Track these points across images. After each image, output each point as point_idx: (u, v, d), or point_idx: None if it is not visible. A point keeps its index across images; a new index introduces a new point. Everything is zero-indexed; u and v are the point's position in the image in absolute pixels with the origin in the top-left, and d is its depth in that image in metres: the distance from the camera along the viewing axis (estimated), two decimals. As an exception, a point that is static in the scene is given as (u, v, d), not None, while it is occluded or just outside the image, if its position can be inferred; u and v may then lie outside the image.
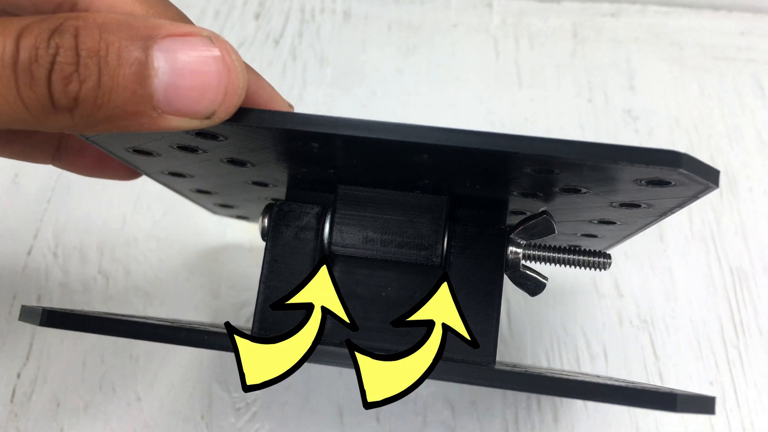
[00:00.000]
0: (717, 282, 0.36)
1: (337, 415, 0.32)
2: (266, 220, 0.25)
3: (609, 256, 0.26)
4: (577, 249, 0.26)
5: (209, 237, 0.38)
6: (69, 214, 0.38)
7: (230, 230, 0.38)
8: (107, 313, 0.24)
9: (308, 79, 0.45)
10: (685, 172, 0.18)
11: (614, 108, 0.43)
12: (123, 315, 0.25)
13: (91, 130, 0.17)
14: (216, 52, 0.17)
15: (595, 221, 0.26)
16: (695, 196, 0.21)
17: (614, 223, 0.26)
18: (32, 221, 0.38)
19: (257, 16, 0.49)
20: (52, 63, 0.15)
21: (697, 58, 0.45)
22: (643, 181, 0.20)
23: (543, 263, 0.26)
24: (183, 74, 0.16)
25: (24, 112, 0.16)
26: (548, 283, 0.25)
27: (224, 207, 0.33)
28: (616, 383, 0.20)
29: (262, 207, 0.26)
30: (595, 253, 0.26)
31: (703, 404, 0.19)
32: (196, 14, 0.49)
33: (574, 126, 0.42)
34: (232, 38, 0.48)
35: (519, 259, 0.25)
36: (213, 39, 0.17)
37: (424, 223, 0.24)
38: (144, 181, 0.30)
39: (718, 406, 0.32)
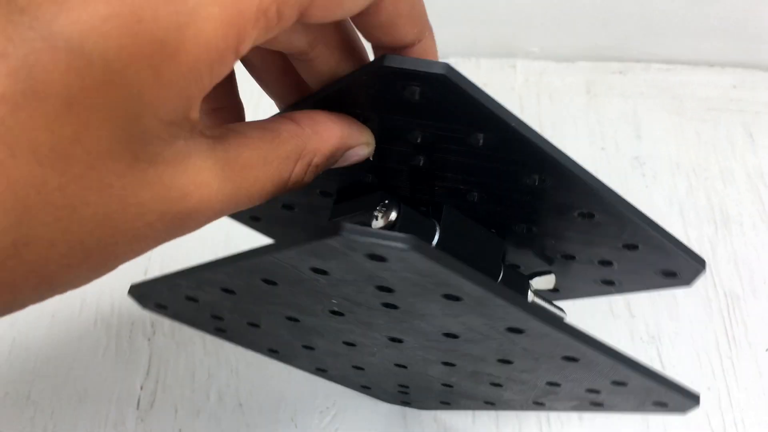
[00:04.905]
0: (713, 304, 0.43)
1: (401, 416, 0.39)
2: (393, 215, 0.25)
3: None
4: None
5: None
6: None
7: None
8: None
9: (361, 134, 0.53)
10: None
11: (624, 155, 0.51)
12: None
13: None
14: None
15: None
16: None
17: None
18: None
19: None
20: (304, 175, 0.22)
21: (694, 109, 0.53)
22: None
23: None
24: None
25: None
26: (568, 304, 0.32)
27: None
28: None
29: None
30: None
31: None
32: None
33: (590, 170, 0.50)
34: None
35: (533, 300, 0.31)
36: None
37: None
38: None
39: (715, 406, 0.39)
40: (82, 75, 0.14)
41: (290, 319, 0.27)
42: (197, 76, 0.16)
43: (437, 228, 0.26)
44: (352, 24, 0.22)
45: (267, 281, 0.23)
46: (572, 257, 0.30)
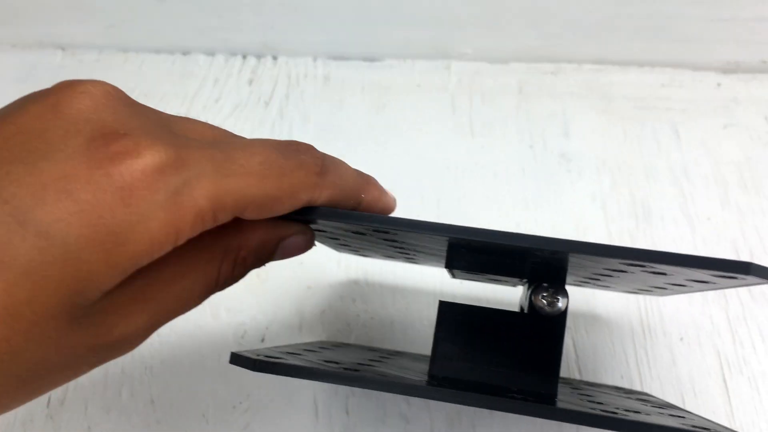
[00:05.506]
0: (630, 294, 0.43)
1: (313, 410, 0.39)
2: (563, 303, 0.29)
3: None
4: None
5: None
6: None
7: (227, 263, 0.46)
8: (308, 361, 0.27)
9: (294, 135, 0.54)
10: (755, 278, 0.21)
11: (551, 152, 0.51)
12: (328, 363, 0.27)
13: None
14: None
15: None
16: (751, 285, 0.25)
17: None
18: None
19: (250, 82, 0.57)
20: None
21: (623, 108, 0.53)
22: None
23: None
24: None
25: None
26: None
27: (353, 252, 0.37)
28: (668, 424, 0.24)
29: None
30: None
31: None
32: (198, 82, 0.57)
33: (516, 168, 0.50)
34: (229, 102, 0.56)
35: None
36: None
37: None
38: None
39: (628, 395, 0.39)
40: (43, 252, 0.17)
41: None
42: (138, 260, 0.19)
43: None
44: None
45: None
46: None
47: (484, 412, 0.39)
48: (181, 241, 0.20)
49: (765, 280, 0.22)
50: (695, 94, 0.54)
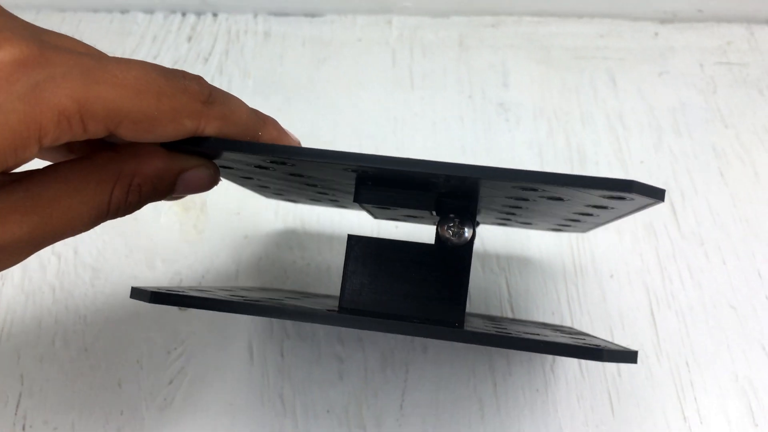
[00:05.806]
0: (563, 234, 0.44)
1: (248, 354, 0.39)
2: (469, 233, 0.29)
3: None
4: None
5: (146, 221, 0.45)
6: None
7: (164, 216, 0.46)
8: (208, 291, 0.27)
9: (233, 90, 0.53)
10: (637, 195, 0.21)
11: (490, 102, 0.51)
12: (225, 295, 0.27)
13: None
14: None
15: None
16: (646, 206, 0.25)
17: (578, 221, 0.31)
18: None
19: (189, 39, 0.57)
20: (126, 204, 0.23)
21: (561, 58, 0.54)
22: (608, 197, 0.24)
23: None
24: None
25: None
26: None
27: (276, 194, 0.38)
28: (561, 339, 0.24)
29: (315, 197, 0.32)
30: None
31: (626, 356, 0.23)
32: (136, 40, 0.56)
33: (455, 118, 0.51)
34: (167, 58, 0.55)
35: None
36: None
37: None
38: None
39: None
40: None
41: None
42: (2, 156, 0.18)
43: None
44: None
45: None
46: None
47: (417, 351, 0.39)
48: (47, 141, 0.19)
49: (653, 199, 0.22)
50: (632, 44, 0.55)
